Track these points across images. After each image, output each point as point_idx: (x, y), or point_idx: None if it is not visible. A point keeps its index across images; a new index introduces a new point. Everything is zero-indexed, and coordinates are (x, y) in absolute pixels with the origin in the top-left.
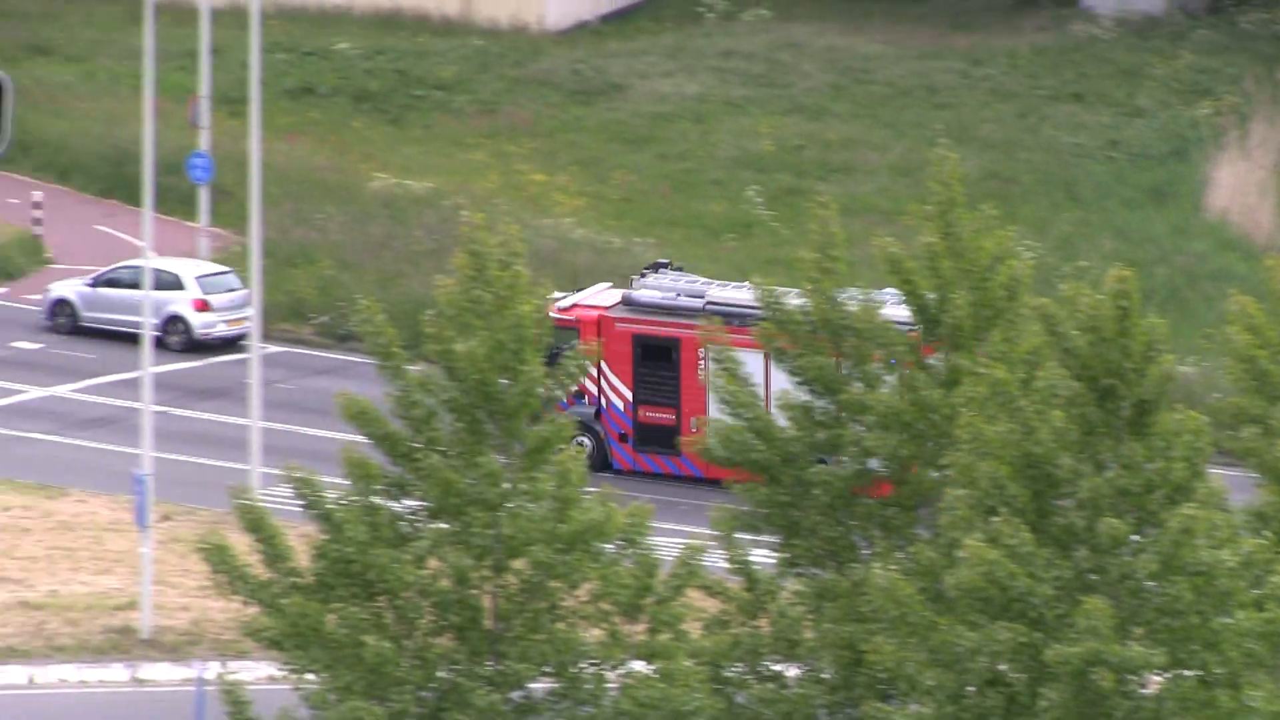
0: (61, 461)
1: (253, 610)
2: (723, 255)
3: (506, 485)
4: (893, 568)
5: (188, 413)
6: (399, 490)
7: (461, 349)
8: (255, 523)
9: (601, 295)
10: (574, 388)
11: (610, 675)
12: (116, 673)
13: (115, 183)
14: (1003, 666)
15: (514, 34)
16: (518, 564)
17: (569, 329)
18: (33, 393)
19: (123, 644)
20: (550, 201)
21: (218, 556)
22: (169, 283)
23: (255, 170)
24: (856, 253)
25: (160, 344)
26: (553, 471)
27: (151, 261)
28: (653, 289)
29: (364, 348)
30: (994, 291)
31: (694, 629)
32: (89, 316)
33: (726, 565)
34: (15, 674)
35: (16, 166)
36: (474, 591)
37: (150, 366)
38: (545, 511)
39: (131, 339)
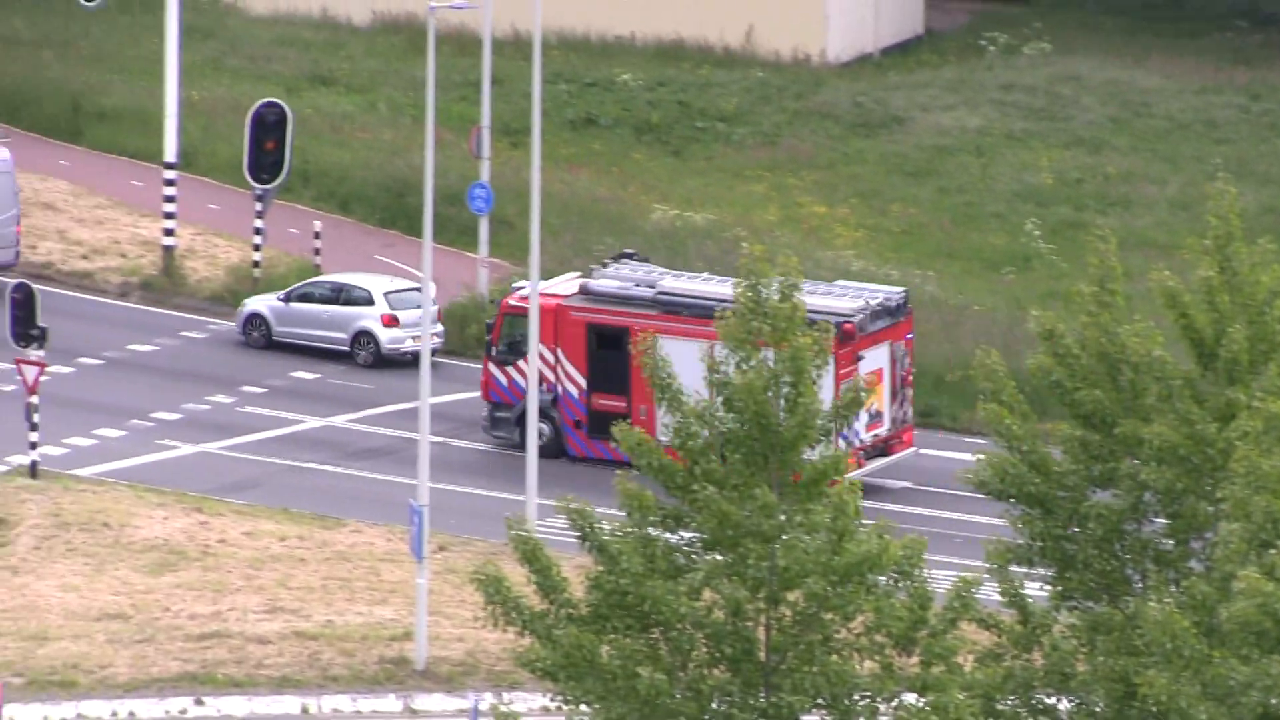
0: (338, 492)
1: (527, 641)
2: (1001, 288)
3: (782, 517)
4: (1167, 601)
5: (465, 443)
6: (674, 522)
7: (739, 381)
8: (530, 554)
9: (564, 285)
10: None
11: (883, 708)
12: (391, 703)
13: (395, 213)
14: (1276, 700)
15: (795, 66)
16: (792, 596)
17: (523, 316)
18: (310, 422)
19: (397, 675)
20: (830, 234)
21: (492, 587)
22: (359, 298)
23: (535, 201)
24: (1134, 286)
25: (348, 358)
26: (828, 504)
27: (342, 277)
28: (611, 279)
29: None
30: (1271, 325)
31: (967, 662)
32: (281, 331)
33: (1000, 598)
34: (290, 704)
35: (297, 197)
36: (748, 624)
37: (429, 397)
38: (820, 544)
39: (322, 353)
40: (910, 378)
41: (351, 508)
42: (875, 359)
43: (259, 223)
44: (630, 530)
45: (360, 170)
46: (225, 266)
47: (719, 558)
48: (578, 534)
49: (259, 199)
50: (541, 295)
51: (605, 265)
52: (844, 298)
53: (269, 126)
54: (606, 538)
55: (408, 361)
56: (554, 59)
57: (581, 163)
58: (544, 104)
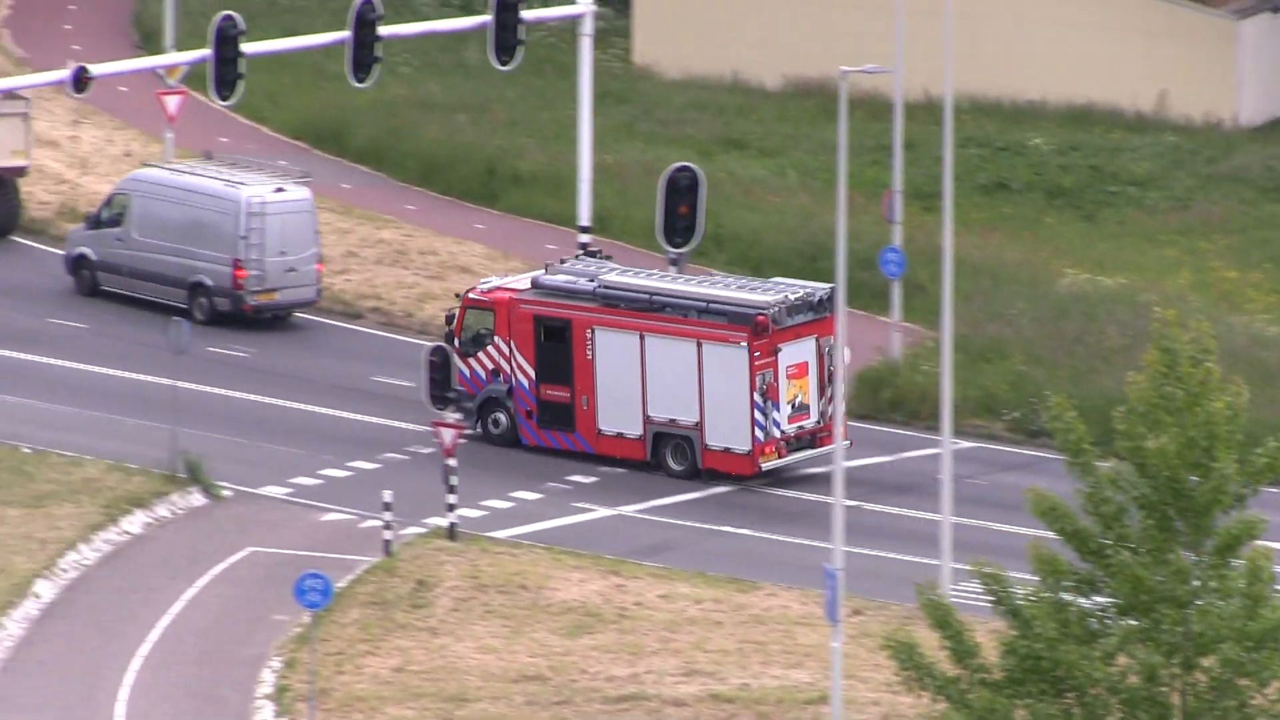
0: (753, 555)
1: (941, 706)
2: None
3: (1196, 582)
4: None
5: (879, 507)
6: (1088, 587)
7: (1153, 445)
8: (942, 619)
9: (524, 279)
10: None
11: None
12: None
13: (808, 277)
14: None
15: (1207, 130)
16: (1207, 662)
17: (486, 310)
18: (724, 486)
19: None
20: (1242, 299)
21: (906, 653)
22: None
23: (947, 265)
24: None
25: None
26: (1242, 568)
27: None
28: (564, 273)
29: (1054, 444)
30: None
31: None
32: None
33: None
34: None
35: (710, 260)
36: (1162, 689)
37: (842, 461)
38: (1235, 609)
39: None
40: (833, 370)
41: (767, 571)
42: (798, 352)
43: None
44: (1044, 595)
45: (773, 234)
46: None
47: (1133, 623)
48: (991, 598)
49: (672, 263)
50: (499, 289)
51: (563, 262)
52: (762, 293)
53: (682, 190)
54: (1020, 602)
55: None
56: (965, 123)
57: (993, 227)
58: (955, 168)
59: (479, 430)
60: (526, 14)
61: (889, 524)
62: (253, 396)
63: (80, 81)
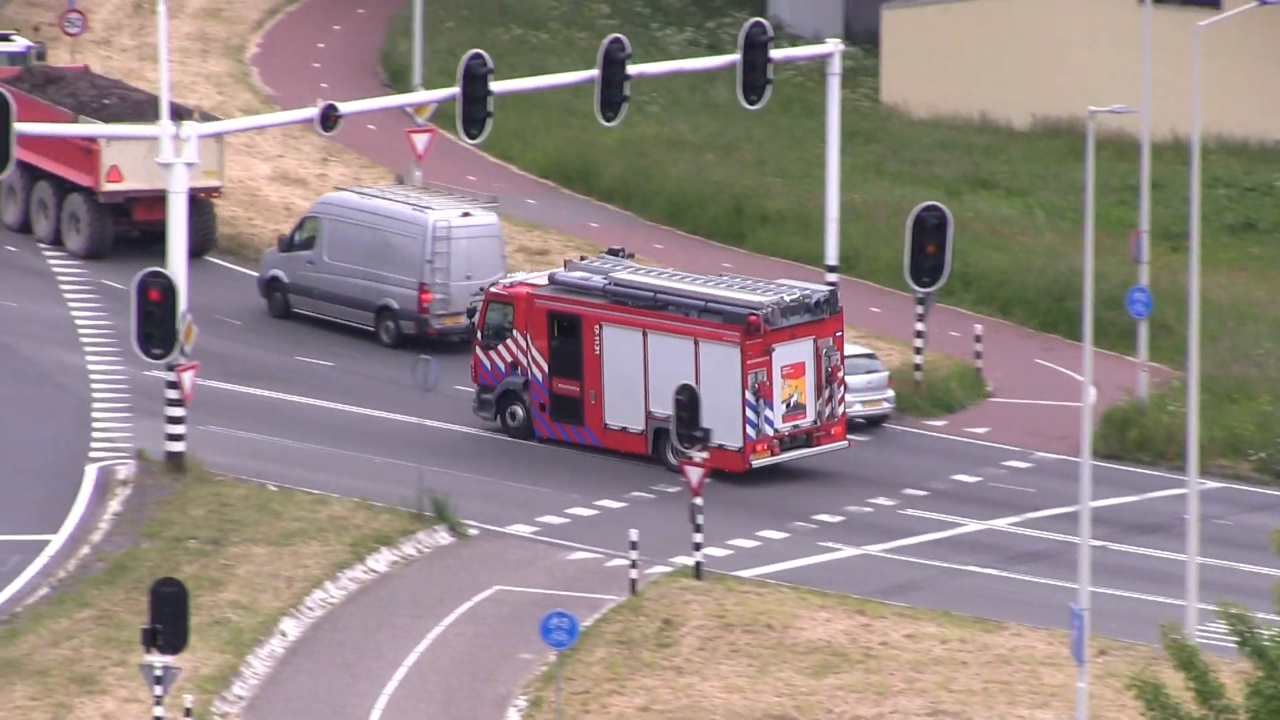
0: (999, 595)
1: None
2: None
3: None
4: None
5: (1125, 547)
6: None
7: None
8: (1188, 659)
9: (544, 275)
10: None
11: None
12: None
13: (1055, 317)
14: None
15: None
16: None
17: (506, 304)
18: (971, 525)
19: None
20: None
21: (1151, 693)
22: None
23: (1193, 305)
24: None
25: None
26: None
27: None
28: (581, 270)
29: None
30: None
31: None
32: None
33: None
34: None
35: (957, 300)
36: None
37: (1089, 501)
38: None
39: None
40: (839, 374)
41: (1012, 611)
42: (793, 353)
43: (920, 326)
44: None
45: (1020, 273)
46: (886, 370)
47: None
48: (1236, 639)
49: (919, 302)
50: (520, 284)
51: (582, 259)
52: (759, 293)
53: (929, 229)
54: (1266, 643)
55: (1015, 455)
56: (1212, 163)
57: (1240, 267)
58: (1202, 208)
59: (498, 422)
60: (775, 53)
61: (1134, 564)
62: (499, 435)
63: (328, 120)
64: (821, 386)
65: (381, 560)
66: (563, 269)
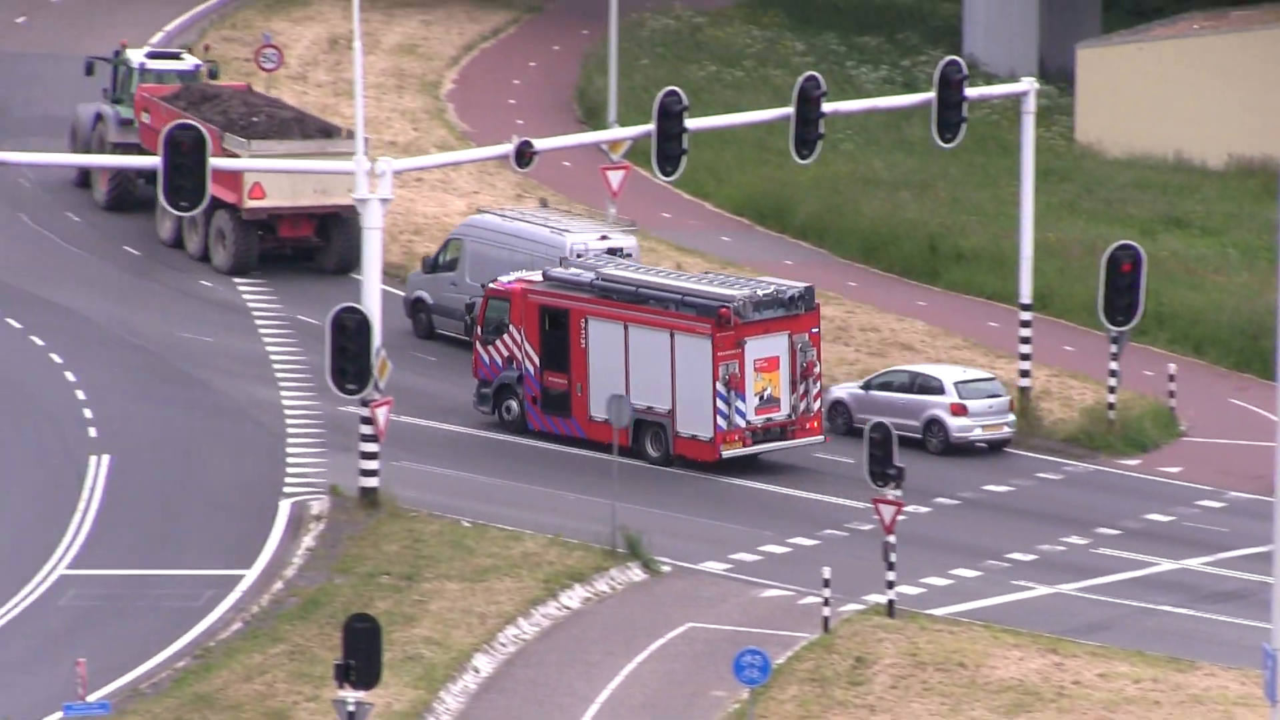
0: (1191, 634)
1: None
2: None
3: None
4: None
5: None
6: None
7: None
8: None
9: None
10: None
11: None
12: None
13: (1249, 356)
14: None
15: None
16: None
17: (503, 300)
18: (1164, 564)
19: None
20: None
21: None
22: (932, 387)
23: None
24: None
25: (920, 445)
26: None
27: (918, 366)
28: (576, 267)
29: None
30: None
31: None
32: (861, 418)
33: None
34: None
35: (1151, 339)
36: None
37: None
38: None
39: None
40: (815, 369)
41: (1205, 651)
42: (767, 347)
43: (1113, 365)
44: None
45: (1213, 313)
46: (1080, 408)
47: None
48: None
49: (1113, 341)
50: (518, 281)
51: (578, 256)
52: (732, 287)
53: (1122, 270)
54: None
55: (1208, 495)
56: None
57: None
58: None
59: (495, 416)
60: (970, 91)
61: None
62: (691, 472)
63: (523, 156)
64: (796, 381)
65: (574, 596)
66: (559, 266)
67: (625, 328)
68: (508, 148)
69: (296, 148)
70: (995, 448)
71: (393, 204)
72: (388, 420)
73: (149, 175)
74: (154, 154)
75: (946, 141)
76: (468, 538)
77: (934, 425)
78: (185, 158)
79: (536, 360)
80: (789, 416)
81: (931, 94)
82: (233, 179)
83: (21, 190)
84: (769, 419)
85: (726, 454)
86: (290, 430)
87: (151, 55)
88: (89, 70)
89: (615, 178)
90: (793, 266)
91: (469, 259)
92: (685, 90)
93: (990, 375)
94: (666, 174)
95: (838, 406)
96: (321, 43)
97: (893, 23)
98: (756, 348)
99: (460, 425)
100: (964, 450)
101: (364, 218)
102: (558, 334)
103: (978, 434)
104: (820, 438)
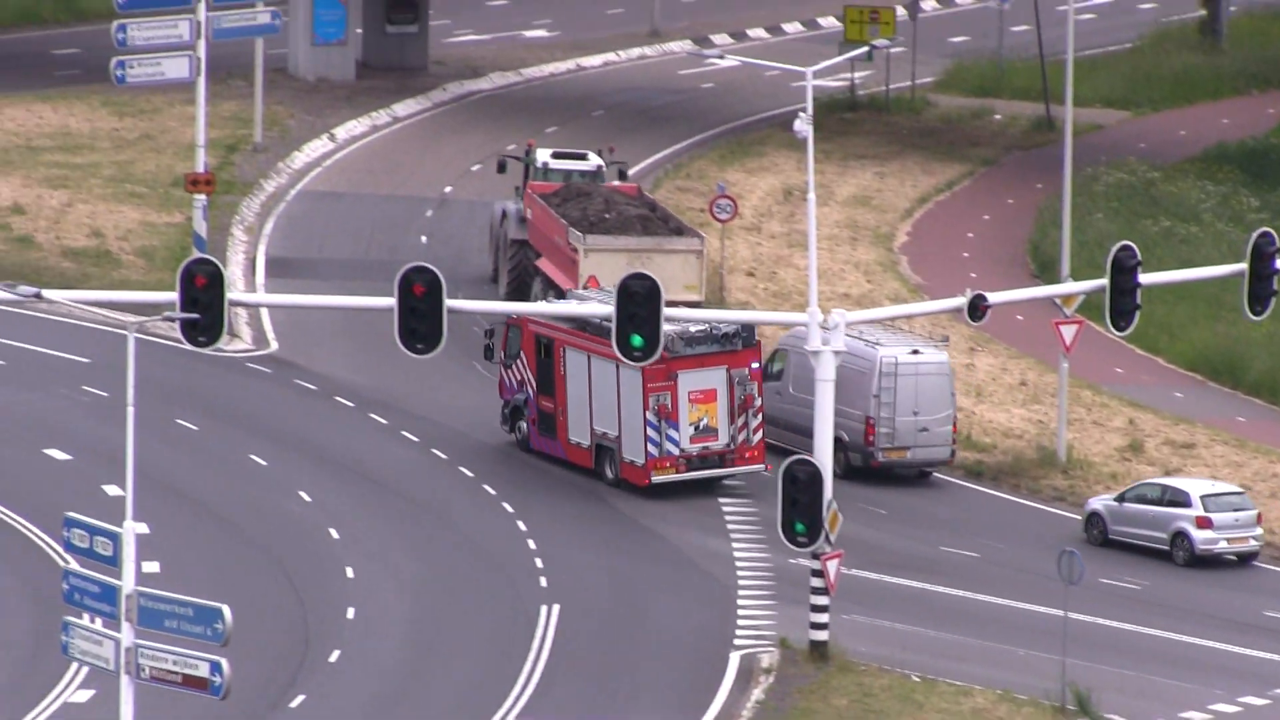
0: None
1: None
2: None
3: None
4: None
5: None
6: None
7: None
8: None
9: None
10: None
11: None
12: None
13: None
14: None
15: None
16: None
17: (517, 328)
18: None
19: None
20: None
21: None
22: (1178, 500)
23: None
24: None
25: (1168, 557)
26: None
27: (1170, 480)
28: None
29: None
30: None
31: None
32: (1115, 530)
33: None
34: None
35: None
36: None
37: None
38: None
39: (1151, 553)
40: (754, 402)
41: None
42: (703, 380)
43: None
44: None
45: None
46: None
47: None
48: None
49: None
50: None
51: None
52: (676, 324)
53: None
54: None
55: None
56: None
57: None
58: None
59: (514, 436)
60: None
61: None
62: (1141, 628)
63: (976, 309)
64: (735, 412)
65: None
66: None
67: (589, 358)
68: (961, 301)
69: (631, 243)
70: (1243, 560)
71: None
72: (838, 573)
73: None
74: (538, 251)
75: (1255, 314)
76: (916, 693)
77: (1180, 537)
78: (420, 301)
79: (534, 385)
80: (727, 445)
81: None
82: (572, 269)
83: (475, 338)
84: (705, 447)
85: (657, 479)
86: (741, 582)
87: (556, 155)
88: (501, 168)
89: (1068, 332)
90: (1246, 423)
91: (793, 369)
92: (1139, 245)
93: (1238, 489)
94: (1119, 329)
95: (1094, 518)
96: (775, 194)
97: None
98: (691, 380)
99: (909, 579)
100: (1208, 562)
101: (817, 369)
102: (548, 362)
103: (1223, 546)
104: (762, 467)
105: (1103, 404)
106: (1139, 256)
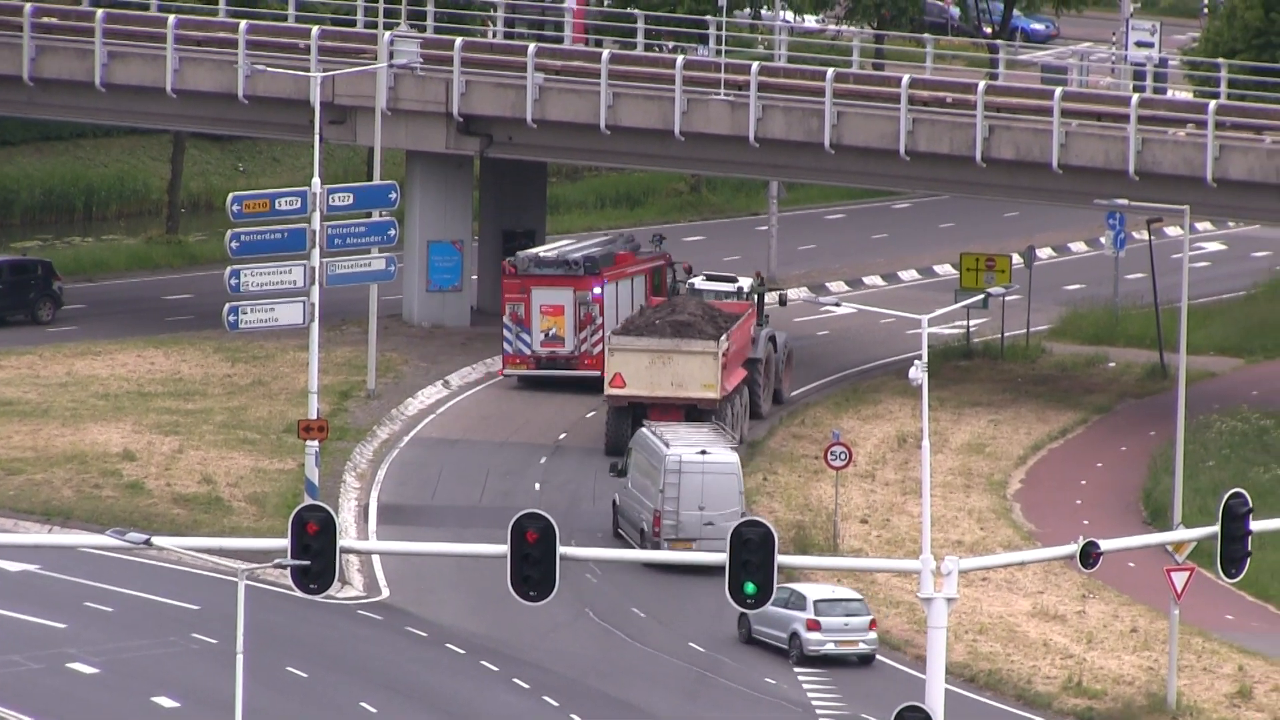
0: None
1: None
2: None
3: None
4: None
5: None
6: None
7: None
8: None
9: None
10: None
11: None
12: None
13: None
14: None
15: None
16: None
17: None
18: None
19: None
20: None
21: None
22: (795, 604)
23: None
24: None
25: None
26: None
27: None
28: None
29: None
30: None
31: None
32: (757, 630)
33: None
34: None
35: None
36: None
37: None
38: None
39: None
40: (594, 320)
41: None
42: (551, 296)
43: None
44: None
45: None
46: None
47: None
48: None
49: None
50: None
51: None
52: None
53: None
54: None
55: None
56: None
57: None
58: None
59: None
60: None
61: None
62: None
63: (1088, 557)
64: (579, 326)
65: None
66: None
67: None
68: (1073, 548)
69: (653, 344)
70: (844, 661)
71: (958, 603)
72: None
73: None
74: None
75: (1230, 576)
76: None
77: (794, 639)
78: (533, 548)
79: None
80: (571, 353)
81: None
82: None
83: (588, 585)
84: (553, 352)
85: (509, 371)
86: None
87: (708, 277)
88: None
89: (1179, 579)
90: None
91: (633, 466)
92: (1250, 492)
93: (857, 597)
94: (1230, 575)
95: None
96: (890, 441)
97: None
98: (542, 296)
99: None
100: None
101: (929, 616)
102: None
103: (830, 649)
104: (598, 373)
105: (1212, 650)
106: (1250, 503)
